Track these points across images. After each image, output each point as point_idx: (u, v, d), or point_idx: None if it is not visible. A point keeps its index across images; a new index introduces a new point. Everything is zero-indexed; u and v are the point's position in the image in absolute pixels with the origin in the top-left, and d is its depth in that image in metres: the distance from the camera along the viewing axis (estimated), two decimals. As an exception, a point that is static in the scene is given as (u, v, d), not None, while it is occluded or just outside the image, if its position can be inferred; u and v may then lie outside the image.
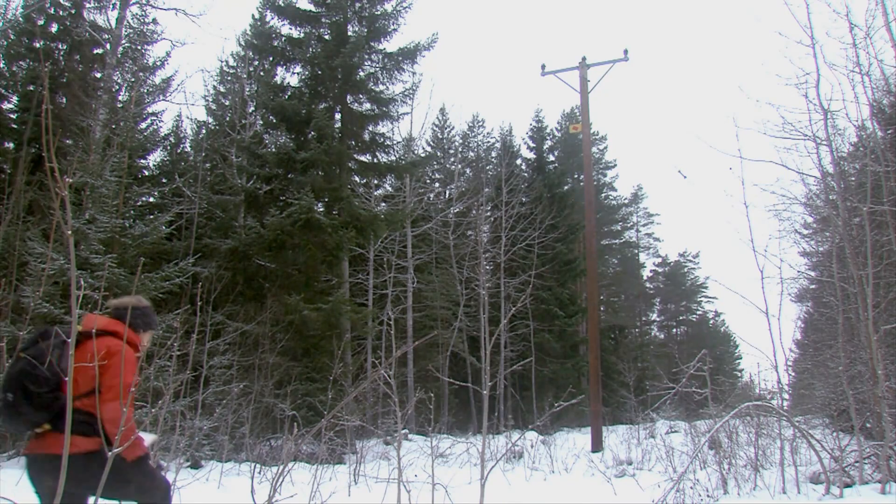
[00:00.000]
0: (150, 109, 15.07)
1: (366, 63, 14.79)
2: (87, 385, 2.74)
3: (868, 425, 7.05)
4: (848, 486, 5.73)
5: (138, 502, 2.84)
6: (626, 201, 38.11)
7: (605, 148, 35.29)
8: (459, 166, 26.31)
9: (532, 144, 28.97)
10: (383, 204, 18.31)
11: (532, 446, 10.72)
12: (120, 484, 2.72)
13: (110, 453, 2.52)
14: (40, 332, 2.88)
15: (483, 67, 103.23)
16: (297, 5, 14.73)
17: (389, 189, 19.24)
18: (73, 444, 2.48)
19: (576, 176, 31.40)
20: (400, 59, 14.83)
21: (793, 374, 13.61)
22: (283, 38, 14.88)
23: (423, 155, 19.59)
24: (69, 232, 2.39)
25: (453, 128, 27.31)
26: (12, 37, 13.91)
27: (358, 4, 14.75)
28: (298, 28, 14.89)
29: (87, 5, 14.41)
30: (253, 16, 16.68)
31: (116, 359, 2.80)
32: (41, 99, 12.22)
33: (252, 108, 15.44)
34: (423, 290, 19.43)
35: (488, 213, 23.09)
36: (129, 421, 2.68)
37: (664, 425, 14.50)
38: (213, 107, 17.46)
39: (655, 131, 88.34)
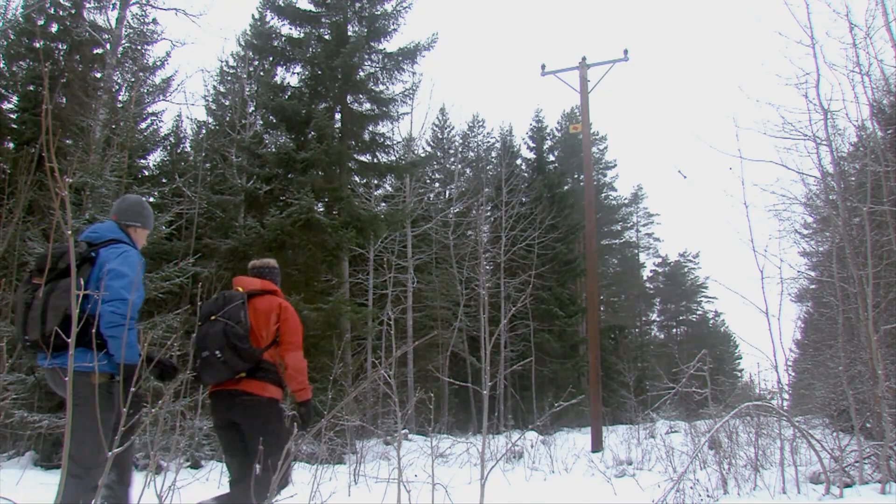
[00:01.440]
0: (150, 109, 15.06)
1: (366, 63, 14.80)
2: (268, 339, 3.30)
3: (868, 425, 7.05)
4: (848, 486, 5.72)
5: (270, 449, 3.07)
6: (626, 201, 38.14)
7: (605, 148, 35.32)
8: (459, 166, 26.31)
9: (532, 144, 28.99)
10: (383, 204, 18.31)
11: (532, 446, 10.72)
12: (272, 429, 3.20)
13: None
14: (224, 295, 3.38)
15: (483, 67, 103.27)
16: (297, 5, 14.74)
17: (389, 189, 19.24)
18: (265, 390, 3.17)
19: (576, 176, 31.40)
20: (400, 59, 14.84)
21: (793, 374, 13.61)
22: (283, 38, 14.89)
23: (423, 155, 19.61)
24: (69, 232, 2.39)
25: (453, 128, 27.35)
26: (12, 37, 13.91)
27: (358, 4, 14.76)
28: (298, 28, 14.90)
29: (87, 5, 14.40)
30: (253, 16, 16.70)
31: (287, 315, 3.37)
32: (41, 99, 12.26)
33: (252, 108, 15.44)
34: (423, 290, 19.43)
35: (488, 213, 23.09)
36: (301, 364, 3.34)
37: (664, 425, 14.50)
38: (213, 107, 17.47)
39: (655, 131, 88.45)
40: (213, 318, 3.26)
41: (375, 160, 15.39)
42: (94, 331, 2.63)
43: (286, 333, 3.36)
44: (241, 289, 3.45)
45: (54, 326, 2.68)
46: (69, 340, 2.09)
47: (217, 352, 3.16)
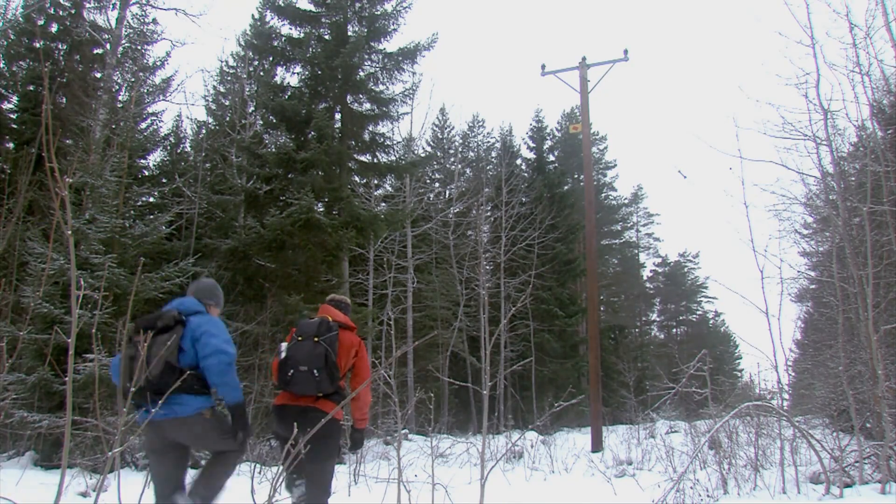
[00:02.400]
0: (150, 109, 15.05)
1: (366, 63, 14.80)
2: (345, 369, 3.72)
3: (868, 425, 7.05)
4: (848, 486, 5.73)
5: (322, 464, 3.64)
6: (626, 201, 38.13)
7: (605, 148, 35.32)
8: (459, 166, 26.31)
9: (532, 144, 28.98)
10: (383, 204, 18.30)
11: (532, 446, 10.72)
12: (332, 444, 3.63)
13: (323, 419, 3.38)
14: (325, 321, 3.76)
15: (483, 67, 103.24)
16: (297, 5, 14.73)
17: (389, 189, 19.24)
18: (325, 406, 3.52)
19: (576, 176, 31.40)
20: (400, 59, 14.83)
21: (793, 374, 13.61)
22: (283, 38, 14.88)
23: (423, 155, 19.59)
24: (69, 232, 2.39)
25: (453, 128, 27.35)
26: (12, 37, 13.90)
27: (358, 4, 14.75)
28: (298, 28, 14.90)
29: (87, 5, 14.40)
30: (253, 16, 16.69)
31: (362, 352, 3.83)
32: (41, 99, 12.26)
33: (252, 108, 15.43)
34: (423, 290, 19.43)
35: (488, 213, 23.09)
36: (368, 403, 3.86)
37: (664, 425, 14.50)
38: (213, 107, 17.46)
39: (655, 131, 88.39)
40: (316, 339, 3.65)
41: (375, 160, 15.39)
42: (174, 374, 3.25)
43: (361, 369, 3.84)
44: (330, 318, 3.83)
45: (157, 372, 3.20)
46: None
47: (315, 370, 3.56)
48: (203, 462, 3.77)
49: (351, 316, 4.07)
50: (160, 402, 3.10)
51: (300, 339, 3.71)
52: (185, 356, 3.32)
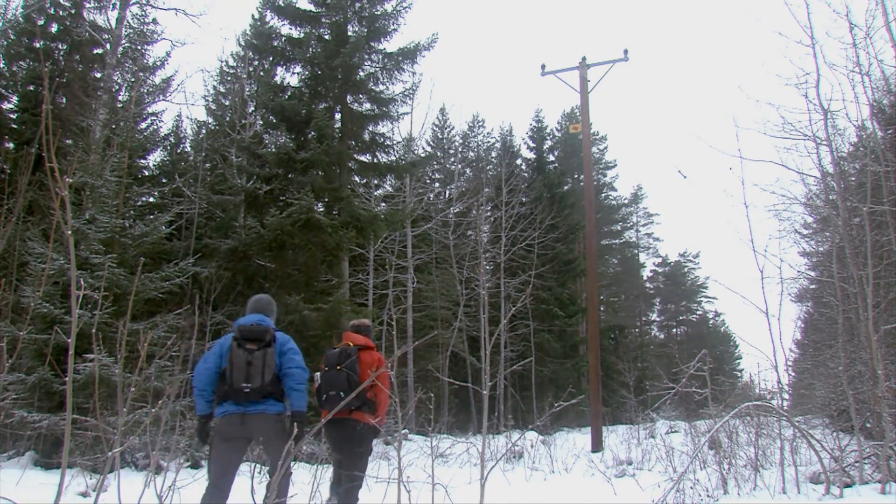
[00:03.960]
0: (150, 109, 15.07)
1: (366, 63, 14.79)
2: (366, 379, 4.38)
3: (868, 425, 7.05)
4: (848, 486, 5.72)
5: (361, 458, 4.61)
6: (626, 201, 38.13)
7: (605, 148, 35.32)
8: (459, 166, 26.31)
9: (532, 144, 28.98)
10: (383, 204, 18.30)
11: (532, 446, 10.72)
12: (365, 446, 4.57)
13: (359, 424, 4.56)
14: (345, 350, 4.69)
15: (483, 67, 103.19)
16: (297, 5, 14.72)
17: (389, 189, 19.24)
18: (363, 418, 4.49)
19: (576, 176, 31.40)
20: (400, 59, 14.83)
21: (793, 374, 13.61)
22: (283, 38, 14.87)
23: (423, 155, 19.59)
24: (69, 232, 2.39)
25: (453, 128, 27.34)
26: (12, 37, 13.90)
27: (358, 4, 14.75)
28: (298, 28, 14.89)
29: (87, 5, 14.41)
30: (253, 16, 16.70)
31: (382, 364, 4.67)
32: (41, 99, 12.26)
33: (252, 108, 15.43)
34: (423, 290, 19.42)
35: (488, 213, 23.09)
36: (386, 405, 4.68)
37: (664, 425, 14.50)
38: (213, 107, 17.47)
39: (655, 131, 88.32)
40: (338, 367, 4.59)
41: (375, 160, 15.38)
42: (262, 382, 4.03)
43: (380, 380, 4.58)
44: (351, 343, 4.76)
45: (270, 378, 3.98)
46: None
47: (342, 393, 4.37)
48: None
49: (371, 335, 4.98)
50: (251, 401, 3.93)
51: (327, 369, 4.69)
52: (277, 367, 4.10)
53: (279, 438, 3.90)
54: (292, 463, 4.06)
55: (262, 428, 3.98)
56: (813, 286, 12.73)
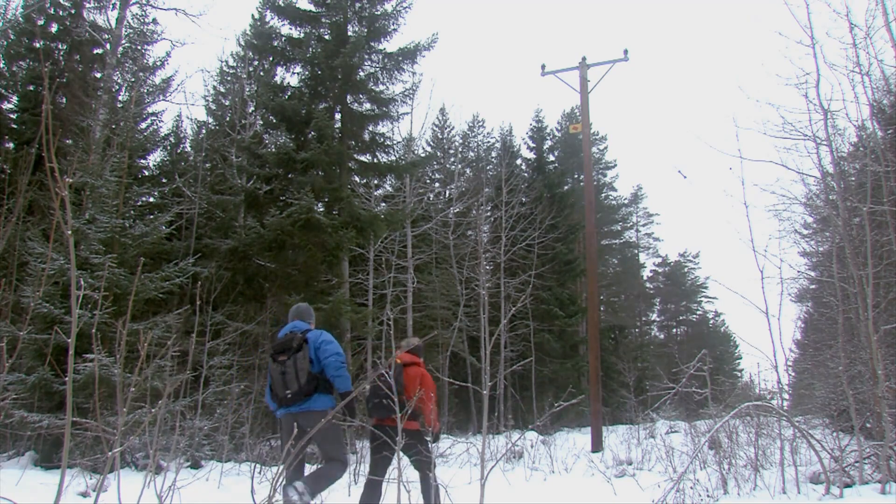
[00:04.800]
0: (150, 109, 15.06)
1: (366, 63, 14.78)
2: (413, 393, 4.86)
3: (868, 425, 7.05)
4: (848, 486, 5.72)
5: (419, 466, 4.99)
6: (626, 201, 38.11)
7: (605, 148, 35.29)
8: (459, 166, 26.28)
9: (532, 144, 28.97)
10: (383, 204, 18.28)
11: (532, 446, 10.72)
12: (416, 450, 4.90)
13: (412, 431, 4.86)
14: (390, 364, 4.91)
15: (483, 67, 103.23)
16: (297, 5, 14.71)
17: (389, 189, 19.22)
18: (409, 424, 4.72)
19: (576, 176, 31.39)
20: (400, 59, 14.82)
21: (793, 374, 13.58)
22: (283, 38, 14.86)
23: (423, 155, 19.57)
24: (69, 232, 2.39)
25: (453, 128, 27.31)
26: (12, 37, 13.90)
27: (358, 4, 14.74)
28: (298, 28, 14.88)
29: (87, 5, 14.40)
30: (253, 16, 16.69)
31: (426, 380, 5.18)
32: (41, 99, 12.26)
33: (252, 108, 15.43)
34: (423, 290, 19.41)
35: (488, 213, 23.08)
36: (434, 409, 5.13)
37: (664, 425, 14.50)
38: (213, 107, 17.46)
39: (655, 131, 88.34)
40: (380, 378, 5.01)
41: (375, 160, 15.37)
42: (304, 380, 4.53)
43: (424, 393, 5.05)
44: (399, 361, 5.20)
45: (304, 380, 4.42)
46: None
47: (385, 400, 4.66)
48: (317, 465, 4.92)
49: (421, 353, 5.55)
50: (300, 400, 4.43)
51: (374, 383, 5.18)
52: (314, 366, 4.52)
53: (326, 430, 4.24)
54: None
55: (310, 423, 4.33)
56: (813, 286, 12.73)
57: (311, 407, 4.45)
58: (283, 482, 4.39)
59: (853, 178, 8.98)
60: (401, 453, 4.49)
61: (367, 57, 14.71)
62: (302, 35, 14.85)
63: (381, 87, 15.01)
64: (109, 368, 7.35)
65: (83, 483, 6.46)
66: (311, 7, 14.82)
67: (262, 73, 15.75)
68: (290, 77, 15.28)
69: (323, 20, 14.89)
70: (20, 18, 13.84)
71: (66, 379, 2.36)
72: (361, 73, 14.70)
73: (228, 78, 17.45)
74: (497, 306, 20.55)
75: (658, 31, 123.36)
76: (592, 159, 18.61)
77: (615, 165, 36.30)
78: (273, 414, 4.74)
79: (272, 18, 15.23)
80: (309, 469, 4.90)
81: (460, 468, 8.98)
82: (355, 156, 15.15)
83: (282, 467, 3.61)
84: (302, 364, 4.43)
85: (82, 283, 3.12)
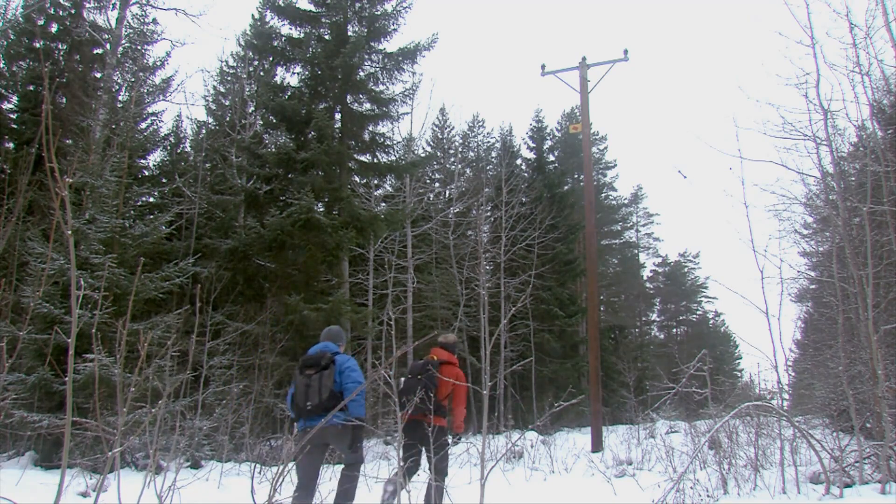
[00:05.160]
0: (150, 109, 15.07)
1: (366, 63, 14.78)
2: (446, 392, 5.39)
3: (868, 425, 7.04)
4: (848, 486, 5.72)
5: (439, 460, 5.18)
6: (626, 201, 38.12)
7: (605, 148, 35.30)
8: (459, 166, 26.28)
9: (532, 144, 28.96)
10: (383, 204, 18.29)
11: (532, 446, 10.71)
12: (441, 445, 5.13)
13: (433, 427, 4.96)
14: (425, 363, 5.49)
15: (483, 67, 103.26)
16: (297, 5, 14.72)
17: (389, 189, 19.22)
18: (437, 420, 5.07)
19: (576, 176, 31.39)
20: (400, 59, 14.82)
21: (793, 374, 13.58)
22: (283, 38, 14.87)
23: (423, 155, 19.57)
24: (69, 232, 2.39)
25: (453, 128, 27.31)
26: (12, 37, 13.91)
27: (358, 4, 14.74)
28: (298, 28, 14.88)
29: (87, 5, 14.41)
30: (253, 16, 16.69)
31: (459, 380, 5.42)
32: (41, 99, 12.27)
33: (252, 108, 15.43)
34: (423, 290, 19.41)
35: (488, 213, 23.07)
36: (463, 414, 5.56)
37: (664, 425, 14.49)
38: (213, 107, 17.47)
39: (655, 131, 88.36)
40: (418, 377, 5.41)
41: (375, 160, 15.37)
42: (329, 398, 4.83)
43: (458, 393, 5.47)
44: (435, 357, 5.51)
45: (326, 396, 4.75)
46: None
47: (416, 398, 4.93)
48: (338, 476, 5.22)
49: (456, 351, 5.86)
50: (321, 415, 4.65)
51: (409, 376, 5.56)
52: (336, 385, 4.87)
53: (343, 442, 4.81)
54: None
55: (327, 436, 4.76)
56: (813, 286, 12.73)
57: (331, 422, 4.74)
58: (296, 493, 4.85)
59: (853, 178, 8.98)
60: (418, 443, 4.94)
61: (367, 57, 14.71)
62: (302, 35, 14.85)
63: (381, 87, 15.02)
64: (109, 368, 7.35)
65: (83, 483, 6.46)
66: (311, 7, 14.82)
67: (262, 73, 15.76)
68: (290, 77, 15.30)
69: (323, 20, 14.89)
70: (20, 18, 13.85)
71: (66, 379, 2.36)
72: (361, 73, 14.70)
73: (228, 78, 17.46)
74: (497, 306, 20.55)
75: (658, 31, 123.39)
76: (592, 159, 18.61)
77: (615, 165, 36.34)
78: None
79: (272, 18, 15.23)
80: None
81: (460, 468, 8.97)
82: (355, 156, 15.15)
83: (280, 467, 3.59)
84: (326, 381, 4.81)
85: (82, 283, 3.11)
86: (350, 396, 4.33)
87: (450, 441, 5.52)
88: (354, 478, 4.99)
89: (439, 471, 5.26)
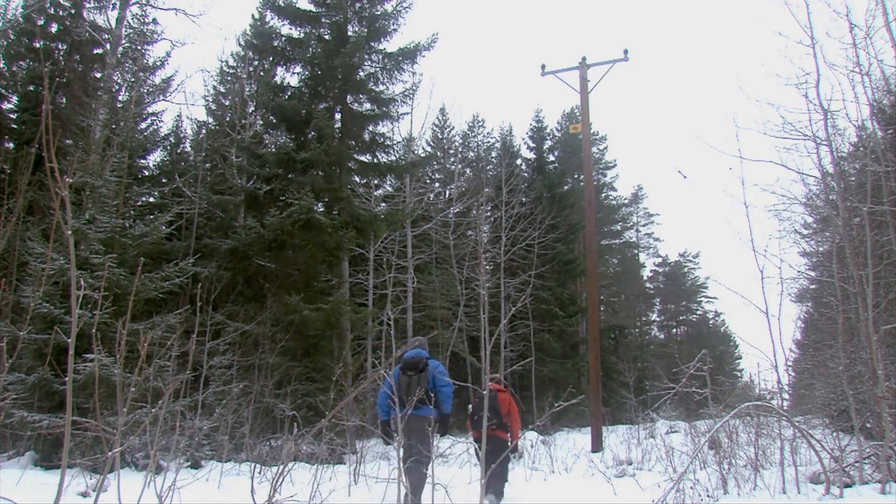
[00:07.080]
0: (150, 109, 15.07)
1: (366, 63, 14.77)
2: (505, 412, 6.67)
3: (868, 425, 7.05)
4: (848, 486, 5.72)
5: (503, 462, 5.96)
6: (626, 201, 38.13)
7: (605, 148, 35.31)
8: (459, 166, 26.29)
9: (532, 144, 28.97)
10: (383, 204, 18.28)
11: (532, 446, 10.72)
12: (504, 451, 6.00)
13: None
14: (491, 394, 6.42)
15: (483, 67, 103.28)
16: (297, 5, 14.71)
17: (389, 189, 19.22)
18: (501, 434, 6.54)
19: (576, 176, 31.39)
20: (400, 59, 14.81)
21: (793, 374, 13.59)
22: (283, 38, 14.86)
23: (423, 155, 19.57)
24: (69, 232, 2.39)
25: (453, 128, 27.32)
26: (12, 37, 13.91)
27: (358, 4, 14.73)
28: (298, 28, 14.87)
29: (87, 5, 14.41)
30: (253, 16, 16.70)
31: (513, 405, 6.87)
32: (41, 99, 12.26)
33: (252, 108, 15.43)
34: (423, 290, 19.41)
35: (488, 213, 23.07)
36: (519, 429, 6.94)
37: (664, 425, 14.49)
38: (213, 107, 17.47)
39: (655, 131, 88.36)
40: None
41: (375, 160, 15.36)
42: (431, 398, 5.95)
43: (512, 413, 6.76)
44: (492, 388, 6.57)
45: (421, 394, 5.61)
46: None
47: (481, 415, 5.41)
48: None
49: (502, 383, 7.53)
50: (417, 406, 5.63)
51: (478, 401, 6.75)
52: (429, 385, 5.96)
53: (426, 432, 5.63)
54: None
55: (420, 424, 5.68)
56: (813, 286, 12.74)
57: (422, 413, 5.86)
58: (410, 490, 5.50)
59: (853, 178, 8.98)
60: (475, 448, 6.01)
61: (367, 57, 14.70)
62: (302, 35, 14.84)
63: (381, 87, 15.00)
64: (109, 368, 7.35)
65: (83, 483, 6.45)
66: (311, 7, 14.82)
67: (262, 73, 15.76)
68: (290, 77, 15.28)
69: (323, 20, 14.89)
70: (20, 18, 13.85)
71: (66, 379, 2.36)
72: (361, 73, 14.69)
73: (228, 78, 17.46)
74: (497, 306, 20.55)
75: (658, 31, 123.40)
76: (592, 159, 18.61)
77: (615, 165, 36.36)
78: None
79: (272, 18, 15.22)
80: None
81: (460, 468, 8.99)
82: (355, 156, 15.14)
83: (280, 467, 3.60)
84: (423, 381, 5.95)
85: (82, 283, 3.11)
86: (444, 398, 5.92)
87: (510, 448, 6.56)
88: (423, 475, 5.67)
89: (498, 474, 6.31)
